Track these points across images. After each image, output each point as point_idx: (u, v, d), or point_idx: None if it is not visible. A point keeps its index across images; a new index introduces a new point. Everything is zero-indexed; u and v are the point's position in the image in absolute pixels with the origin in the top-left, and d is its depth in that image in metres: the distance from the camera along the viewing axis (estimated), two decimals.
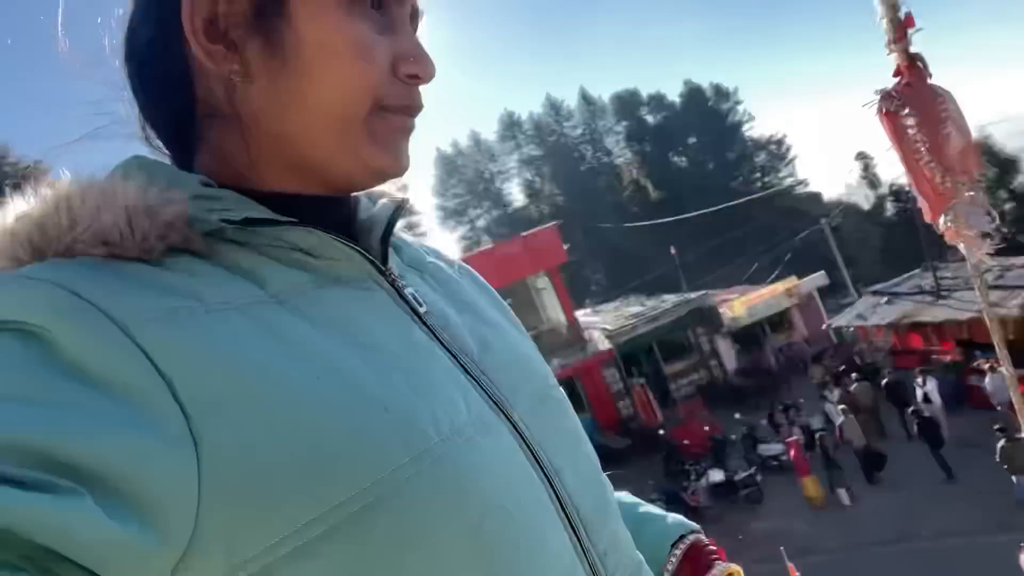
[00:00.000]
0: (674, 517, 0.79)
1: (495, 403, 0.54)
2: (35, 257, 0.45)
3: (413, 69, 0.55)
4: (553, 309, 18.43)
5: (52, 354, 0.39)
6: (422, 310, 0.56)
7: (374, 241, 0.58)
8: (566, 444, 0.59)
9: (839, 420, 11.27)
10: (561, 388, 0.67)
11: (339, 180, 0.56)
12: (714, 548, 0.75)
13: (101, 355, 0.40)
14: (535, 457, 0.54)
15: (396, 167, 0.56)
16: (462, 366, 0.55)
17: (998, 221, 1.64)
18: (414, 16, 0.57)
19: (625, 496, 0.81)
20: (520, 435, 0.54)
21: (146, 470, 0.38)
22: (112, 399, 0.39)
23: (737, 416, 14.08)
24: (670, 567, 0.73)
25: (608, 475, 0.65)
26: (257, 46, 0.51)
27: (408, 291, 0.57)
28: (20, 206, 0.46)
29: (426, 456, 0.46)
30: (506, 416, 0.54)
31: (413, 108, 0.56)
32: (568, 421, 0.63)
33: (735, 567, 0.73)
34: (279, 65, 0.51)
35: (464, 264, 0.74)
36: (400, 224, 0.64)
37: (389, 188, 0.65)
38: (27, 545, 0.34)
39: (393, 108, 0.55)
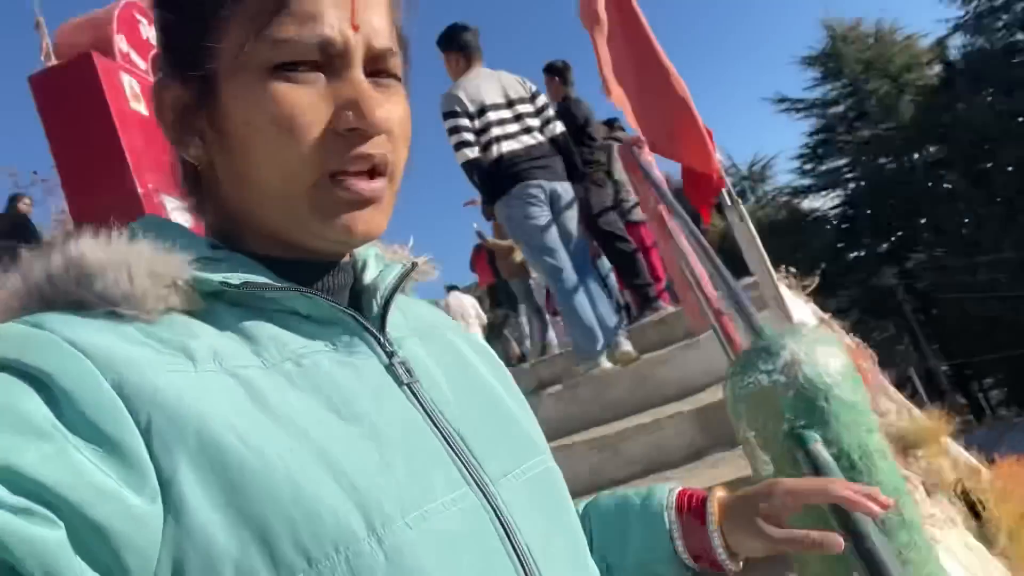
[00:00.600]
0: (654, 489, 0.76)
1: (474, 479, 0.54)
2: (44, 309, 0.48)
3: (349, 123, 0.52)
4: None
5: (44, 397, 0.42)
6: (411, 379, 0.56)
7: (376, 305, 0.58)
8: (545, 523, 0.57)
9: None
10: (552, 460, 0.65)
11: (304, 249, 0.56)
12: (695, 491, 0.73)
13: (88, 404, 0.42)
14: (508, 536, 0.52)
15: (350, 239, 0.55)
16: (445, 439, 0.54)
17: None
18: (378, 57, 0.55)
19: (604, 498, 0.79)
20: (496, 512, 0.53)
21: (111, 516, 0.40)
22: (93, 447, 0.41)
23: None
24: (677, 536, 0.70)
25: None
26: (207, 131, 0.55)
27: (399, 359, 0.56)
28: (36, 259, 0.49)
29: (387, 536, 0.46)
30: (483, 492, 0.53)
31: (366, 166, 0.54)
32: (554, 499, 0.61)
33: (713, 490, 0.73)
34: (224, 147, 0.55)
35: (468, 331, 0.74)
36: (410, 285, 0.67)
37: (398, 251, 0.66)
38: None
39: (342, 173, 0.53)
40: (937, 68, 19.80)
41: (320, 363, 0.52)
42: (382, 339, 0.57)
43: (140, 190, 4.98)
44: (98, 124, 5.00)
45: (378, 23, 0.55)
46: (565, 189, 3.72)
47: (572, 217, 3.76)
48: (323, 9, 0.52)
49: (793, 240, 18.50)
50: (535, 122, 3.75)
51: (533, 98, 3.80)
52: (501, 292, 6.24)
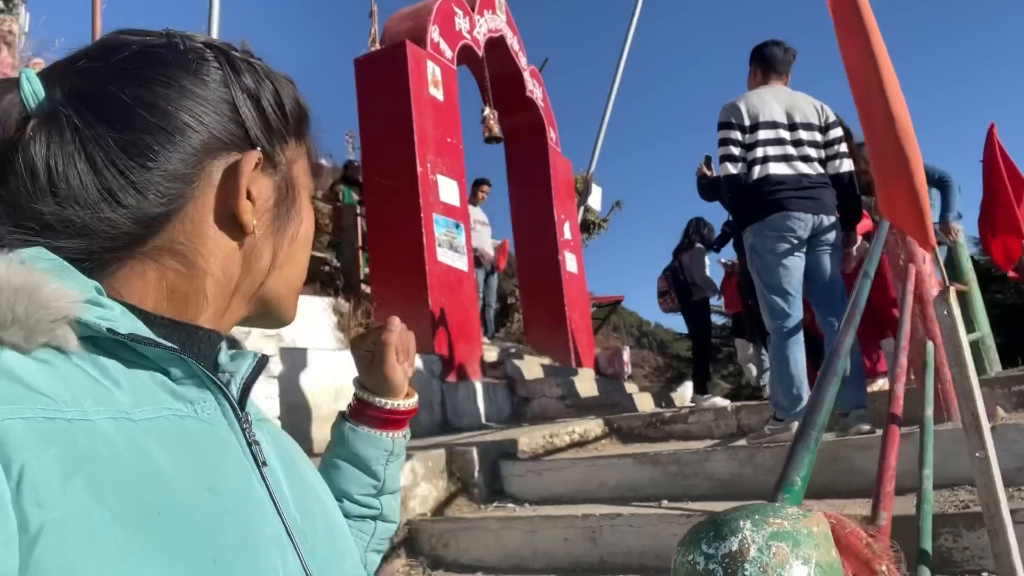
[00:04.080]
0: None
1: (306, 571, 0.55)
2: None
3: None
4: None
5: None
6: (262, 463, 0.56)
7: (235, 386, 0.59)
8: None
9: None
10: (361, 569, 0.66)
11: (257, 325, 0.67)
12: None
13: None
14: None
15: (291, 321, 0.69)
16: (286, 528, 0.55)
17: None
18: None
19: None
20: None
21: None
22: None
23: None
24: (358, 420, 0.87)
25: None
26: (272, 222, 0.62)
27: (255, 439, 0.57)
28: None
29: None
30: None
31: None
32: None
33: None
34: (283, 240, 0.64)
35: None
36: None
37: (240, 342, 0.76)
38: None
39: None
40: None
41: (184, 427, 0.51)
42: (242, 419, 0.57)
43: (419, 168, 5.51)
44: (397, 106, 5.63)
45: None
46: (831, 223, 3.33)
47: (831, 255, 3.36)
48: None
49: None
50: (816, 152, 3.41)
51: (826, 129, 3.46)
52: (748, 320, 5.76)
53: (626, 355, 9.20)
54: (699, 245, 6.32)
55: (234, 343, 0.69)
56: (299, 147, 0.66)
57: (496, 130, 6.64)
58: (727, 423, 3.72)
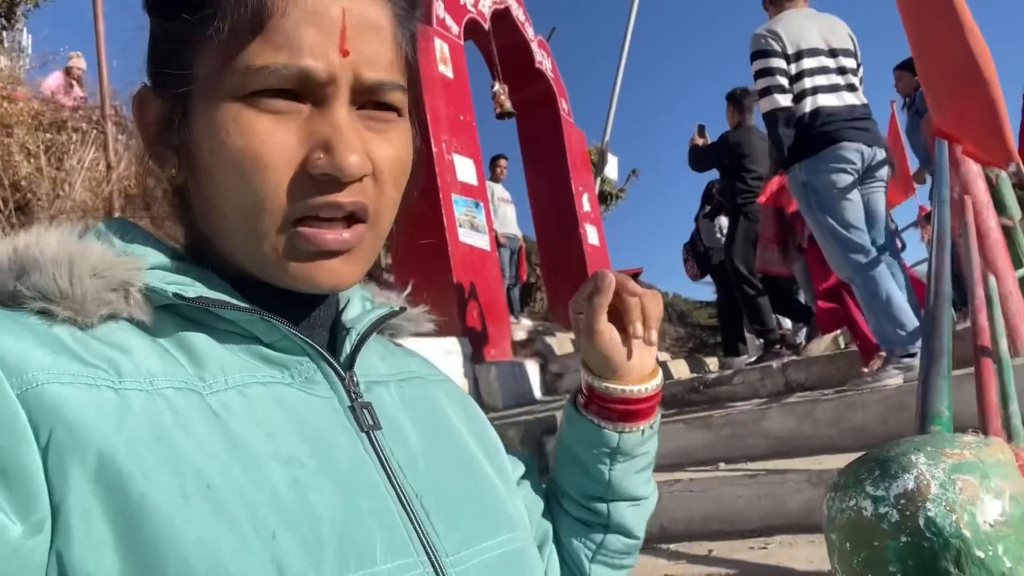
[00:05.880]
0: None
1: (427, 549, 0.47)
2: None
3: (320, 167, 0.46)
4: None
5: None
6: (372, 426, 0.51)
7: (348, 343, 0.54)
8: None
9: None
10: (529, 541, 0.58)
11: (275, 285, 0.51)
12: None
13: None
14: None
15: (311, 289, 0.50)
16: (400, 498, 0.48)
17: None
18: (373, 89, 0.49)
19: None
20: None
21: None
22: None
23: None
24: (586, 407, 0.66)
25: None
26: (182, 151, 0.51)
27: (363, 401, 0.52)
28: None
29: None
30: (436, 565, 0.47)
31: (338, 214, 0.48)
32: None
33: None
34: (194, 171, 0.50)
35: (455, 384, 0.66)
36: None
37: (390, 296, 0.63)
38: None
39: (307, 219, 0.48)
40: None
41: (268, 395, 0.47)
42: (347, 378, 0.52)
43: (435, 148, 5.40)
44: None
45: (375, 52, 0.49)
46: (883, 159, 3.12)
47: (882, 192, 3.16)
48: (305, 34, 0.46)
49: None
50: (857, 81, 3.18)
51: (857, 55, 3.24)
52: (744, 301, 5.30)
53: None
54: (708, 207, 6.17)
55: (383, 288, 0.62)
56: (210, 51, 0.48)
57: (507, 105, 6.49)
58: (774, 381, 3.60)
